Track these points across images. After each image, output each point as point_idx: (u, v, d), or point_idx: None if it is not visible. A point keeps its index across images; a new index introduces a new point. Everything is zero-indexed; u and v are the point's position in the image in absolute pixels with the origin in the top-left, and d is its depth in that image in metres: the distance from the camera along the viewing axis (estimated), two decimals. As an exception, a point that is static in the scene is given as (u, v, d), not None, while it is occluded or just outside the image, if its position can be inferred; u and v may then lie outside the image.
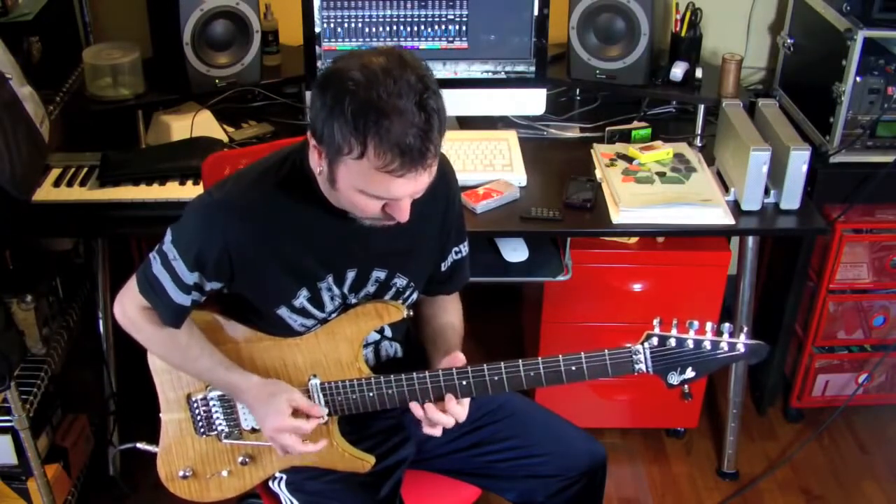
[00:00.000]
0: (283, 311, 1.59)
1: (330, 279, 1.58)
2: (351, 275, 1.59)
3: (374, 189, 1.37)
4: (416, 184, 1.37)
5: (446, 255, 1.71)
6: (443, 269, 1.72)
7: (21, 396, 2.01)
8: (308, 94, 2.34)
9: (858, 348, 2.60)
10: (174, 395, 1.70)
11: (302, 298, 1.58)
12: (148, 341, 1.64)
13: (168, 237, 1.54)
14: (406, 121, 1.29)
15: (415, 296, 1.70)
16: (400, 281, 1.64)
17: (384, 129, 1.29)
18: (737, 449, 2.53)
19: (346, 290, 1.61)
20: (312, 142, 1.40)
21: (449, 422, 1.56)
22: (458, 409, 1.56)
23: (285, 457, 1.65)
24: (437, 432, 1.58)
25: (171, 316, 1.57)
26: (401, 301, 1.67)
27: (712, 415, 2.73)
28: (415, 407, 1.56)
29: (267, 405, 1.57)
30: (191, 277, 1.52)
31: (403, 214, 1.42)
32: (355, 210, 1.45)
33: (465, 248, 1.74)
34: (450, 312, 1.77)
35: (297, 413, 1.57)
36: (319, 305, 1.60)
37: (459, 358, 1.59)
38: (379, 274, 1.62)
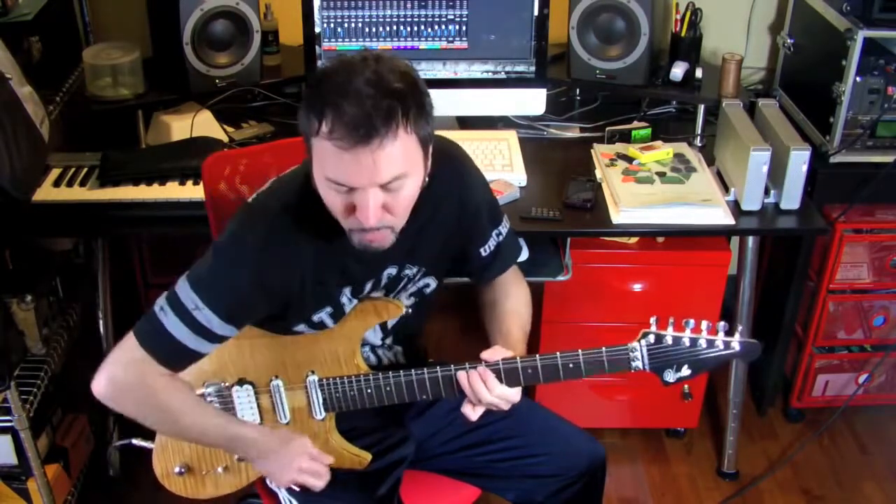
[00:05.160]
0: (301, 327, 1.60)
1: (348, 292, 1.59)
2: (368, 285, 1.61)
3: (332, 171, 1.35)
4: (367, 169, 1.33)
5: (486, 240, 1.68)
6: (484, 253, 1.69)
7: (21, 396, 2.01)
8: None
9: (858, 348, 2.60)
10: None
11: (323, 314, 1.59)
12: (139, 412, 1.55)
13: (184, 287, 1.48)
14: (360, 98, 1.30)
15: (432, 282, 1.68)
16: (409, 271, 1.63)
17: (340, 104, 1.30)
18: (737, 449, 2.53)
19: (362, 297, 1.62)
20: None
21: (487, 397, 1.53)
22: (504, 390, 1.53)
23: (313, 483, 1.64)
24: (475, 415, 1.56)
25: (178, 360, 1.52)
26: (414, 288, 1.67)
27: (712, 415, 2.73)
28: (461, 377, 1.54)
29: (287, 449, 1.60)
30: (221, 328, 1.48)
31: (365, 213, 1.37)
32: (332, 211, 1.42)
33: (504, 228, 1.71)
34: (511, 298, 1.72)
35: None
36: (339, 318, 1.61)
37: (499, 351, 1.57)
38: (390, 271, 1.62)
